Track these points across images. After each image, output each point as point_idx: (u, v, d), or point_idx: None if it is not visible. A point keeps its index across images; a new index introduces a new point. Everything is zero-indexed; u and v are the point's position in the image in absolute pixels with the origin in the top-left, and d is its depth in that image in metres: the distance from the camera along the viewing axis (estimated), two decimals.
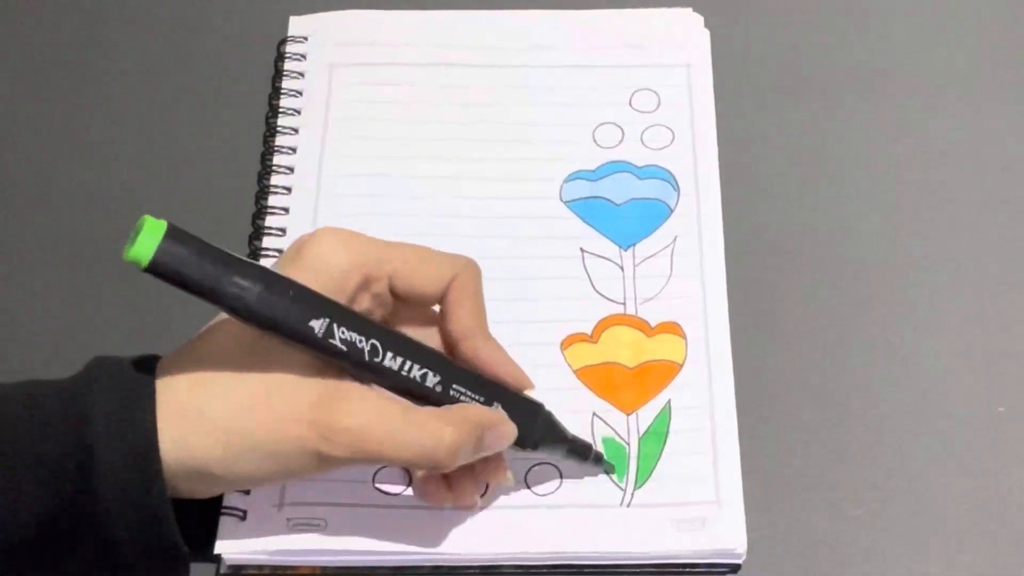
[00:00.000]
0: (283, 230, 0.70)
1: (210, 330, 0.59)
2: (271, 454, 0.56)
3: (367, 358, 0.57)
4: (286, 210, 0.71)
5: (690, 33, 0.77)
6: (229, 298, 0.55)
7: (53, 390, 0.56)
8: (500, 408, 0.59)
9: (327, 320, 0.56)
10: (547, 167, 0.73)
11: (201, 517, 0.61)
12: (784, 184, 0.73)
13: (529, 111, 0.75)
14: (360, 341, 0.57)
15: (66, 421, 0.55)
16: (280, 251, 0.69)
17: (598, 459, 0.64)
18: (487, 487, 0.62)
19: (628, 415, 0.65)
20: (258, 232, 0.71)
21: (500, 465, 0.61)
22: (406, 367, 0.58)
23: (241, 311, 0.55)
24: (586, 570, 0.62)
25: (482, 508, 0.62)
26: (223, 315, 0.58)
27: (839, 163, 0.74)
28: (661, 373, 0.66)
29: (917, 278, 0.70)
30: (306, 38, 0.77)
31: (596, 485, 0.63)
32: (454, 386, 0.59)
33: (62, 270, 0.71)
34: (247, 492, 0.62)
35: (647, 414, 0.65)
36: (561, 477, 0.63)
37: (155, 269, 0.54)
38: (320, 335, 0.56)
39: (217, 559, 0.62)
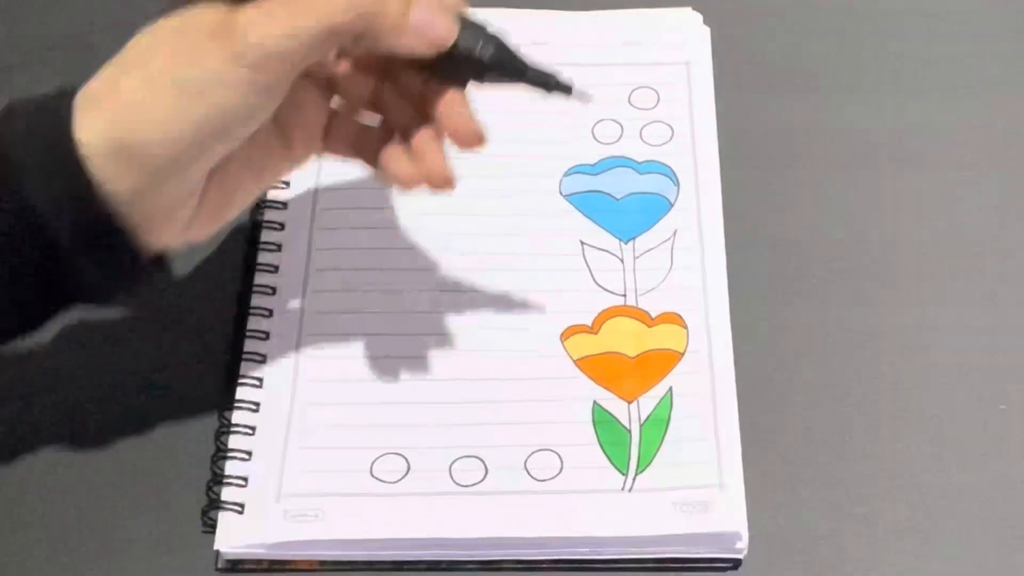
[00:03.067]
0: (281, 224, 0.70)
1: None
2: (184, 83, 0.52)
3: None
4: (284, 205, 0.71)
5: (689, 31, 0.77)
6: None
7: None
8: None
9: None
10: (547, 162, 0.73)
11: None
12: (783, 179, 0.73)
13: (528, 108, 0.74)
14: None
15: None
16: (278, 245, 0.69)
17: (565, 89, 0.59)
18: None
19: (629, 403, 0.65)
20: (256, 224, 0.70)
21: (465, 116, 0.58)
22: None
23: None
24: (588, 564, 0.62)
25: (485, 493, 0.62)
26: None
27: (838, 159, 0.74)
28: (662, 361, 0.66)
29: (917, 273, 0.70)
30: None
31: (597, 471, 0.63)
32: None
33: None
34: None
35: (648, 402, 0.65)
36: (562, 463, 0.63)
37: None
38: None
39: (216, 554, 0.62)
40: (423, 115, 0.58)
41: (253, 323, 0.67)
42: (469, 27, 0.57)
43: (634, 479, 0.63)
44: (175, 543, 0.62)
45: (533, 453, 0.64)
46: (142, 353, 0.67)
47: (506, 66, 0.58)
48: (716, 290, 0.68)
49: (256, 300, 0.68)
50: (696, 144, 0.73)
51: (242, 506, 0.62)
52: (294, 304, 0.68)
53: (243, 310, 0.67)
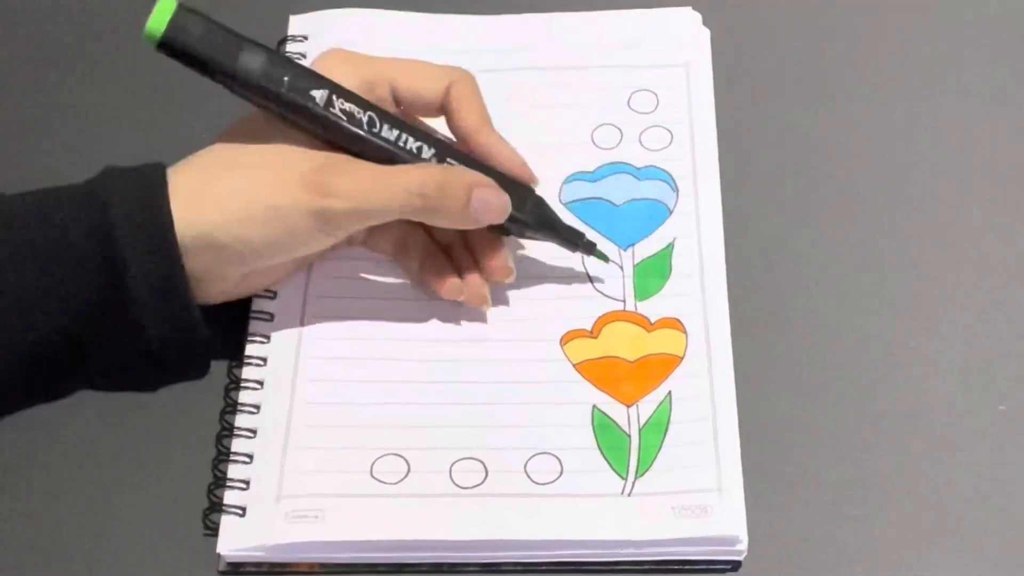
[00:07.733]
0: None
1: (214, 143, 0.64)
2: (272, 214, 0.61)
3: (365, 128, 0.63)
4: None
5: (688, 32, 0.77)
6: (236, 70, 0.60)
7: (70, 187, 0.62)
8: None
9: (327, 91, 0.62)
10: (546, 170, 0.72)
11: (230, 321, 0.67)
12: (784, 181, 0.73)
13: (528, 113, 0.75)
14: (359, 112, 0.63)
15: (86, 207, 0.61)
16: None
17: (589, 248, 0.67)
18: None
19: (628, 407, 0.65)
20: None
21: (502, 257, 0.67)
22: (402, 139, 0.64)
23: (246, 82, 0.60)
24: (586, 567, 0.62)
25: (485, 495, 0.62)
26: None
27: (840, 162, 0.74)
28: (662, 365, 0.66)
29: (917, 276, 0.70)
30: (306, 37, 0.77)
31: (597, 475, 0.63)
32: (448, 160, 0.65)
33: None
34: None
35: (648, 406, 0.65)
36: (562, 467, 0.63)
37: (167, 42, 0.59)
38: (321, 104, 0.62)
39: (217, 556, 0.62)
40: (463, 242, 0.68)
41: (254, 327, 0.67)
42: (517, 193, 0.65)
43: (633, 483, 0.63)
44: (177, 546, 0.62)
45: (533, 456, 0.64)
46: None
47: (545, 228, 0.67)
48: (715, 296, 0.68)
49: (257, 304, 0.68)
50: (695, 149, 0.73)
51: (243, 509, 0.62)
52: (294, 308, 0.68)
53: (244, 314, 0.68)
